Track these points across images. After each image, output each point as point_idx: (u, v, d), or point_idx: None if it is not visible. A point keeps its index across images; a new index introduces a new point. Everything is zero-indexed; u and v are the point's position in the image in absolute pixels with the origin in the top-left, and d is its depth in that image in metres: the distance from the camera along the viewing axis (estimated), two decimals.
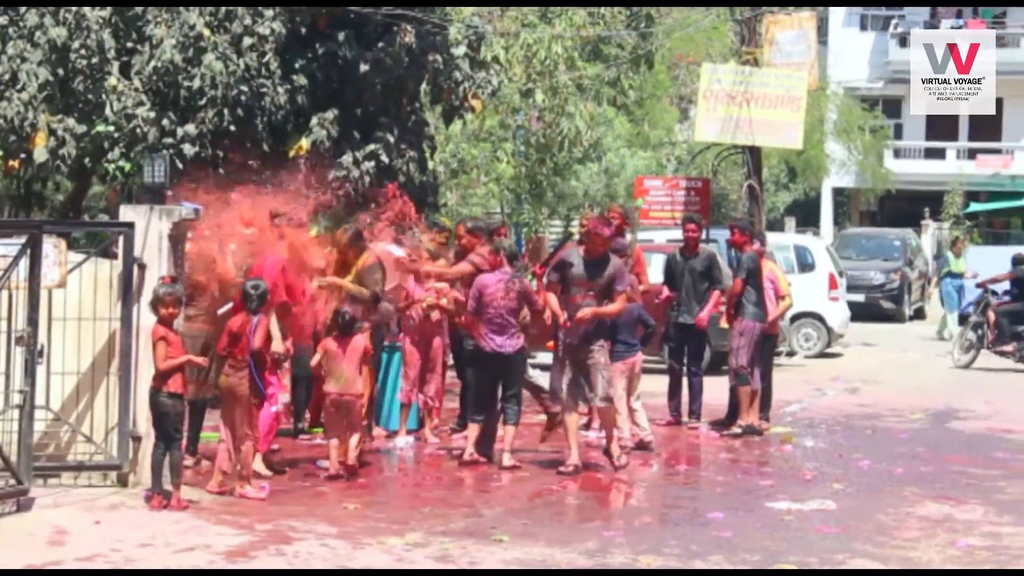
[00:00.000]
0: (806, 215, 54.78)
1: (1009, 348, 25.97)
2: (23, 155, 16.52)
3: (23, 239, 11.28)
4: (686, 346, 17.46)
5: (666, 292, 17.51)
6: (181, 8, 16.71)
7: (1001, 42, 49.18)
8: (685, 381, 17.46)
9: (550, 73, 27.62)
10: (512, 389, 14.20)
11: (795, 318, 26.56)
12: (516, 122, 29.40)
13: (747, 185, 23.72)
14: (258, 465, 12.88)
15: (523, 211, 30.58)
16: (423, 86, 19.21)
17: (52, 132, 16.34)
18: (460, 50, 19.24)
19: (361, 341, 13.55)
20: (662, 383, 18.02)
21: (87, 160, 16.86)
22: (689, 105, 41.45)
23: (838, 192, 57.39)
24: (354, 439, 13.41)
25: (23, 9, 16.39)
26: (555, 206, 31.35)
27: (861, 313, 33.12)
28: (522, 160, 29.96)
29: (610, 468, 13.81)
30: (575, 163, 31.09)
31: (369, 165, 17.80)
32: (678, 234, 19.62)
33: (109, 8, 16.65)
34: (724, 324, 17.39)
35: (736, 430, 16.53)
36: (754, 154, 23.19)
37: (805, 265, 27.80)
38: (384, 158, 17.85)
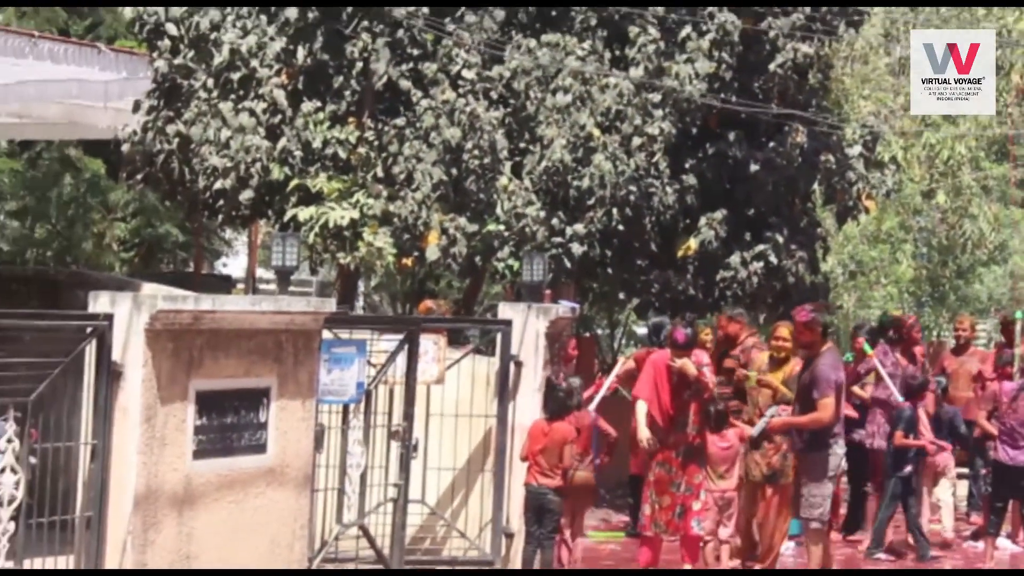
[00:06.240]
0: None
1: None
2: (416, 253, 16.87)
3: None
4: None
5: None
6: (572, 109, 16.90)
7: None
8: None
9: (953, 173, 26.95)
10: None
11: None
12: (917, 223, 28.75)
13: None
14: None
15: (924, 314, 29.71)
16: (815, 186, 18.95)
17: (444, 231, 16.66)
18: (855, 150, 18.91)
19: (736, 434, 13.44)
20: None
21: (477, 258, 17.13)
22: None
23: None
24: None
25: (419, 110, 16.82)
26: (957, 310, 30.37)
27: None
28: (923, 262, 29.24)
29: None
30: (979, 266, 30.15)
31: (757, 266, 17.63)
32: None
33: (502, 109, 16.97)
34: None
35: None
36: None
37: None
38: (772, 259, 17.66)
